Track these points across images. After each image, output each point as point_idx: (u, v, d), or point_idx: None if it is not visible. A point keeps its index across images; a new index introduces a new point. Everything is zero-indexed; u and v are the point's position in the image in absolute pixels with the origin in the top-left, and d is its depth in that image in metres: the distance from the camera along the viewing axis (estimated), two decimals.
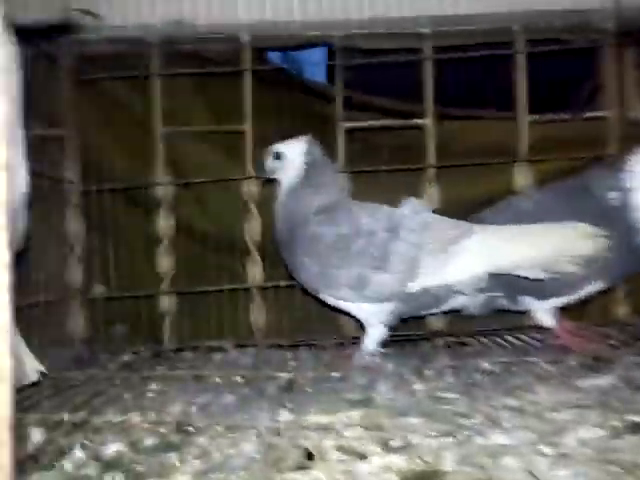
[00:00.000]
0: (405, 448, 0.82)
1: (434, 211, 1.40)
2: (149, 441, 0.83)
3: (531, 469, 0.71)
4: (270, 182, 1.53)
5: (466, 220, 1.39)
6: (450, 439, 0.84)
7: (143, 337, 1.68)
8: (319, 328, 1.71)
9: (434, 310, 1.40)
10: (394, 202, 1.40)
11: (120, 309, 1.70)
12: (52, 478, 0.72)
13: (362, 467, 0.76)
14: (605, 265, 1.33)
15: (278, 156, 1.45)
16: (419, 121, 1.79)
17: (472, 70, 2.00)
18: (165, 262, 1.74)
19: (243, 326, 1.72)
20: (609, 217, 1.37)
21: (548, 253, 1.25)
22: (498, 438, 0.84)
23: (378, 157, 1.78)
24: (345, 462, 0.78)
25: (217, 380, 1.24)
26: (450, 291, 1.32)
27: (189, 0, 1.72)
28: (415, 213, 1.33)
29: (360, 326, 1.55)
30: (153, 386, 1.19)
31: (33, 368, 0.96)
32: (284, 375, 1.25)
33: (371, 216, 1.34)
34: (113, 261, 1.71)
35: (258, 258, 1.74)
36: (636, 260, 1.42)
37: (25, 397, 1.06)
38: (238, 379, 1.25)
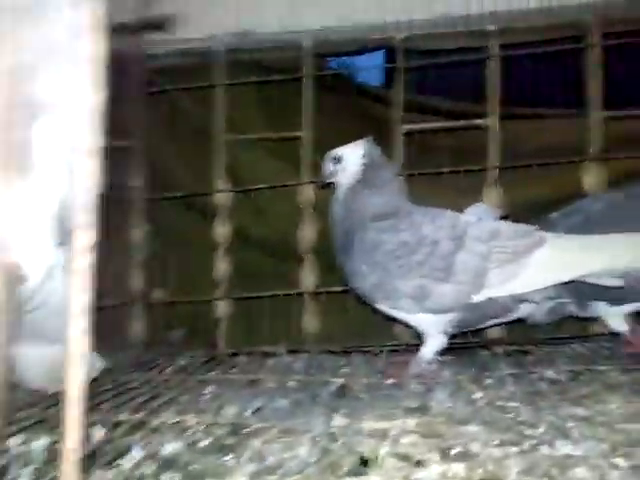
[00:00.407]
0: (465, 456, 0.79)
1: (503, 217, 1.34)
2: (205, 442, 0.84)
3: None
4: (327, 187, 1.51)
5: (533, 223, 1.33)
6: (514, 448, 0.80)
7: (199, 341, 1.71)
8: (373, 334, 1.69)
9: (498, 320, 1.33)
10: (457, 206, 1.36)
11: (178, 313, 1.75)
12: (111, 476, 0.74)
13: (420, 474, 0.74)
14: None
15: (337, 160, 1.42)
16: (481, 121, 1.74)
17: (538, 67, 1.93)
18: (222, 268, 1.78)
19: (296, 332, 1.72)
20: None
21: (626, 264, 1.17)
22: (566, 448, 0.79)
23: (438, 160, 1.74)
24: (402, 469, 0.76)
25: (271, 385, 1.24)
26: (517, 301, 1.26)
27: (255, 10, 1.76)
28: (482, 220, 1.28)
29: (416, 334, 1.51)
30: (208, 389, 1.21)
31: (95, 364, 1.00)
32: (337, 381, 1.23)
33: (434, 223, 1.28)
34: (172, 267, 1.76)
35: (311, 264, 1.75)
36: None
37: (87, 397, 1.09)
38: (291, 384, 1.24)
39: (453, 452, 0.81)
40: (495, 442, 0.83)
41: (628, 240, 1.19)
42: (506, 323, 1.47)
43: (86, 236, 0.32)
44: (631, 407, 0.96)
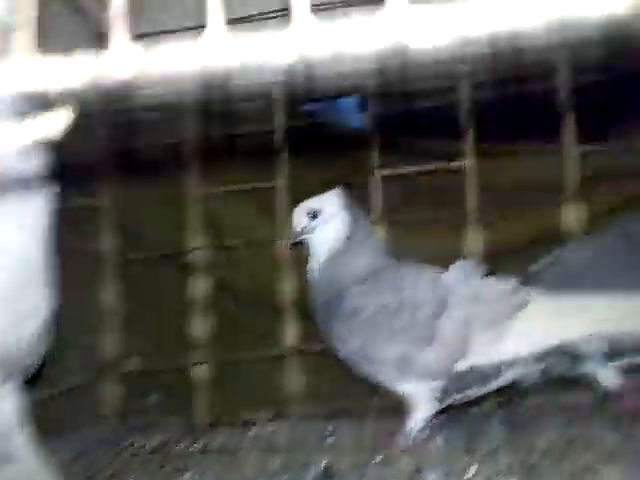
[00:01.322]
0: None
1: (488, 272, 1.29)
2: None
3: None
4: (297, 246, 1.44)
5: (515, 269, 1.31)
6: None
7: (177, 408, 1.63)
8: (359, 391, 1.62)
9: (485, 388, 1.27)
10: (440, 249, 1.33)
11: (155, 380, 1.67)
12: None
13: None
14: None
15: (314, 214, 1.34)
16: (457, 163, 1.71)
17: (515, 103, 1.91)
18: (200, 327, 1.71)
19: (279, 391, 1.65)
20: None
21: (616, 331, 1.14)
22: None
23: (419, 200, 1.70)
24: None
25: (250, 468, 1.16)
26: (502, 368, 1.20)
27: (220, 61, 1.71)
28: (465, 279, 1.23)
29: None
30: (186, 476, 1.13)
31: None
32: (322, 460, 1.16)
33: (415, 287, 1.23)
34: (147, 329, 1.68)
35: (293, 318, 1.68)
36: None
37: None
38: (273, 466, 1.17)
39: None
40: None
41: (616, 303, 1.15)
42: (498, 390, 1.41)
43: None
44: None
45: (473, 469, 1.07)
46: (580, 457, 1.06)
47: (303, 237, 1.36)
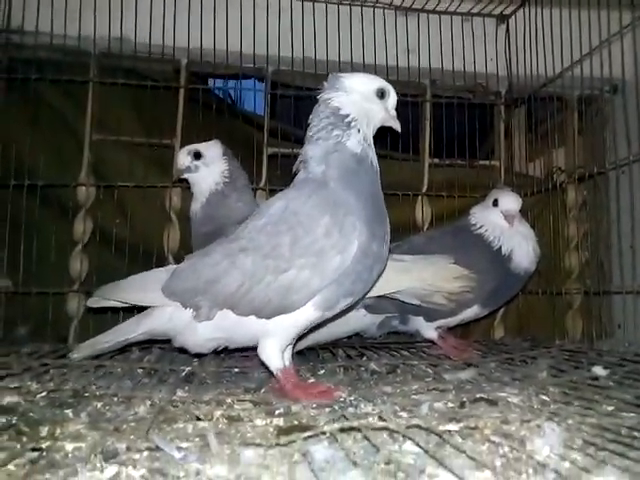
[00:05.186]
0: (286, 414, 0.93)
1: None
2: (46, 401, 0.88)
3: (387, 425, 0.83)
4: (180, 182, 1.61)
5: None
6: (326, 409, 0.96)
7: (47, 335, 1.67)
8: None
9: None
10: None
11: (25, 306, 1.70)
12: None
13: (246, 425, 0.86)
14: (480, 293, 1.54)
15: (197, 155, 1.50)
16: None
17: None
18: (77, 265, 1.78)
19: None
20: (485, 253, 1.62)
21: (421, 286, 1.41)
22: (367, 409, 0.97)
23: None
24: (231, 423, 0.87)
25: (118, 370, 1.28)
26: None
27: (131, 19, 1.84)
28: None
29: None
30: (52, 371, 1.21)
31: None
32: (186, 369, 1.31)
33: None
34: (23, 258, 1.71)
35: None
36: (510, 287, 1.67)
37: None
38: (139, 371, 1.29)
39: (277, 412, 0.95)
40: (313, 406, 0.98)
41: (427, 265, 1.43)
42: (349, 337, 1.65)
43: None
44: (426, 386, 1.17)
45: (311, 380, 1.28)
46: (397, 378, 1.32)
47: (186, 175, 1.53)
